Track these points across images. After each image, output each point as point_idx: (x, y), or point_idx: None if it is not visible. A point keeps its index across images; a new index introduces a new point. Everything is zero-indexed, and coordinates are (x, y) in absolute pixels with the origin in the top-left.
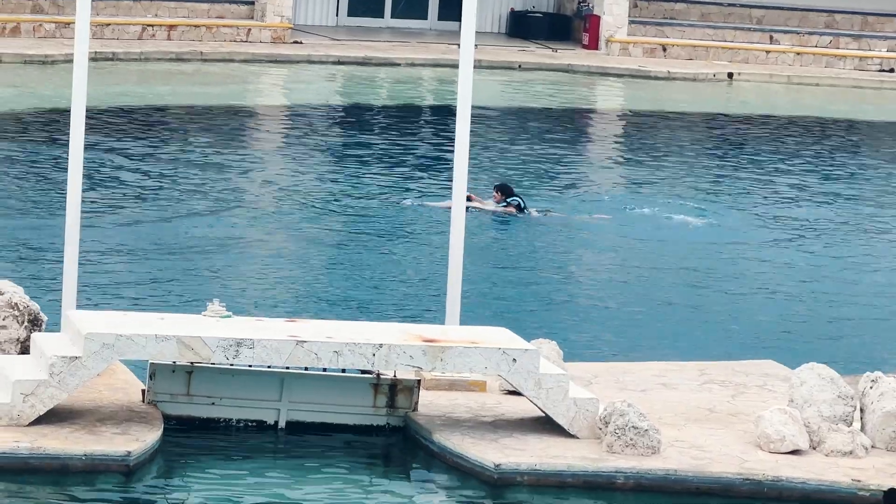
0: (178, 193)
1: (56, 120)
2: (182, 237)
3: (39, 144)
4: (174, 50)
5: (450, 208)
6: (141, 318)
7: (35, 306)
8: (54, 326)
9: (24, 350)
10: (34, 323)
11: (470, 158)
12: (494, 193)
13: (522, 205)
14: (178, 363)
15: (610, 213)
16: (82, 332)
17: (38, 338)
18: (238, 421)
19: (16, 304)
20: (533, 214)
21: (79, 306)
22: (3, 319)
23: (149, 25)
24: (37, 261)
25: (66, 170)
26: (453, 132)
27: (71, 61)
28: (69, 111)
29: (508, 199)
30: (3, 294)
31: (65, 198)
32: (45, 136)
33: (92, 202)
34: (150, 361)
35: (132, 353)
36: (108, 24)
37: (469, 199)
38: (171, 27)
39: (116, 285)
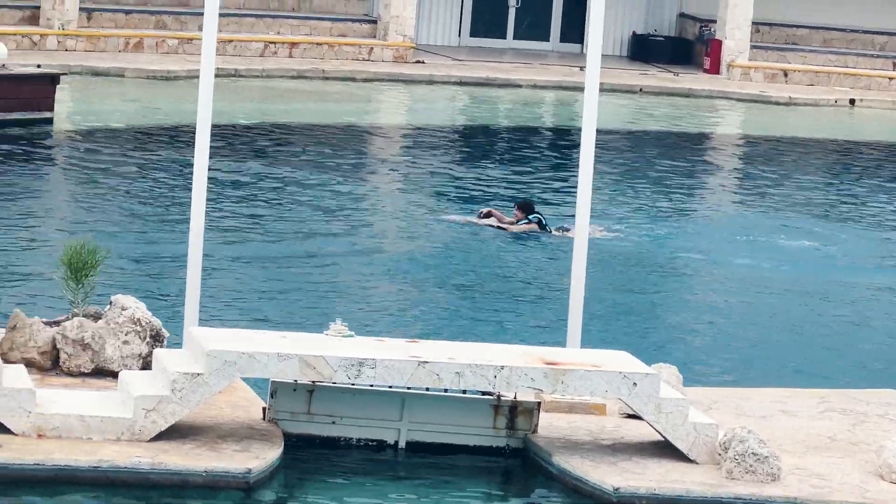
0: (300, 211)
1: (178, 136)
2: (304, 255)
3: (161, 160)
4: (296, 68)
5: (469, 223)
6: (263, 336)
7: (157, 322)
8: (176, 343)
9: (146, 366)
10: (156, 339)
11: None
12: (515, 211)
13: (544, 222)
14: (299, 382)
15: (727, 236)
16: (205, 349)
17: (160, 354)
18: (358, 440)
19: (138, 319)
20: (554, 233)
21: (201, 323)
22: (126, 335)
23: (271, 43)
24: (159, 277)
25: (187, 186)
26: (573, 154)
27: (193, 77)
28: (190, 127)
29: (529, 217)
30: (126, 310)
31: (187, 214)
32: (167, 151)
33: (214, 219)
34: (272, 379)
35: (254, 370)
36: (231, 41)
37: (489, 214)
38: (293, 45)
39: (238, 303)
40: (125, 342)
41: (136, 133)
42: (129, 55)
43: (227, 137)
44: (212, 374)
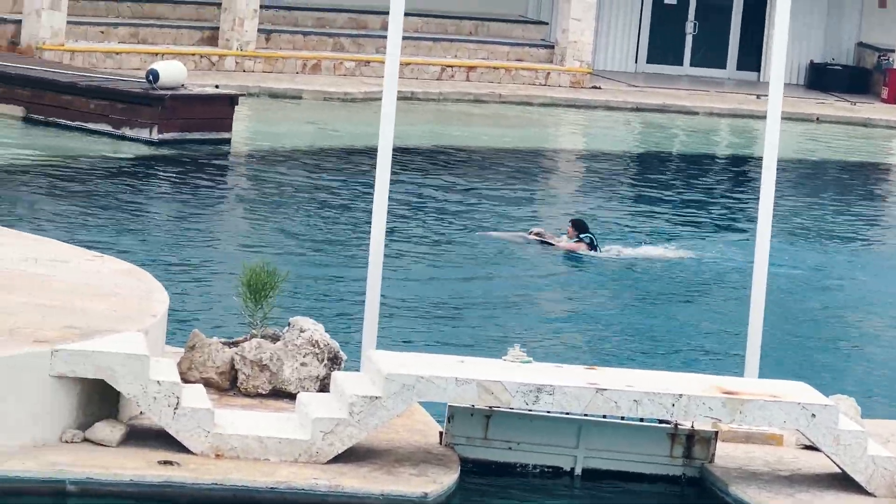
0: (475, 235)
1: (354, 158)
2: (481, 279)
3: (339, 182)
4: (472, 91)
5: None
6: (441, 360)
7: (335, 345)
8: (353, 365)
9: (324, 388)
10: (334, 361)
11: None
12: (568, 228)
13: (595, 243)
14: (476, 407)
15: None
16: (383, 372)
17: (338, 376)
18: (534, 466)
19: (316, 341)
20: (604, 254)
21: (378, 346)
22: (304, 357)
23: (448, 66)
24: (337, 299)
25: (364, 208)
26: (749, 183)
27: (370, 100)
28: (367, 149)
29: (581, 236)
30: (304, 332)
31: (364, 236)
32: (344, 173)
33: (389, 240)
34: (450, 404)
35: (432, 395)
36: (408, 64)
37: (539, 234)
38: (471, 69)
39: (416, 326)
40: (303, 364)
41: (313, 154)
42: (306, 77)
43: (403, 160)
44: (390, 397)
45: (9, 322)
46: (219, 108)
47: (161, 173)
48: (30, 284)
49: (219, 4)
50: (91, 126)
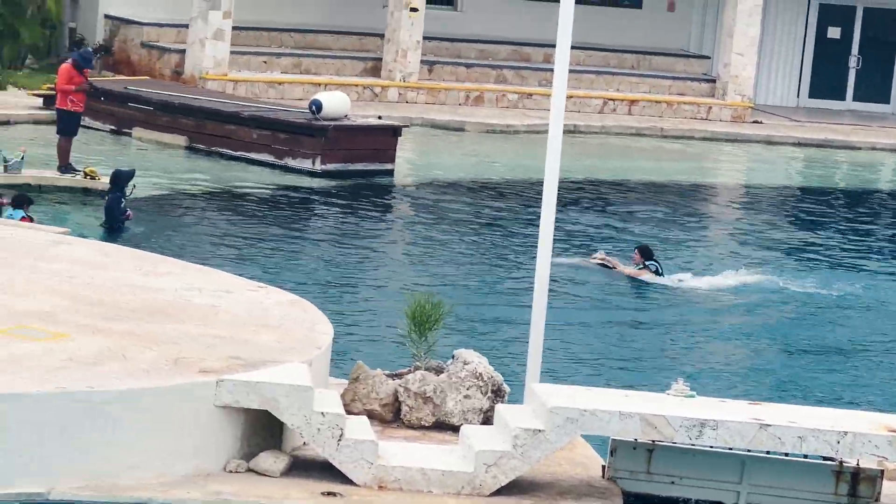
0: (639, 269)
1: (516, 190)
2: (641, 313)
3: (502, 214)
4: (634, 125)
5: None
6: (604, 393)
7: (499, 377)
8: (516, 398)
9: (487, 420)
10: (497, 394)
11: None
12: (635, 254)
13: (659, 270)
14: (639, 440)
15: None
16: (547, 405)
17: (501, 409)
18: (697, 501)
19: (480, 374)
20: (669, 282)
21: (541, 379)
22: (468, 389)
23: (610, 100)
24: (501, 331)
25: (526, 241)
26: None
27: (532, 132)
28: (528, 181)
29: (647, 263)
30: (468, 364)
31: (527, 268)
32: (507, 205)
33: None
34: (612, 437)
35: (595, 428)
36: (571, 97)
37: (602, 259)
38: (633, 102)
39: (578, 359)
40: (466, 396)
41: (476, 186)
42: (469, 108)
43: (565, 193)
44: (553, 430)
45: (174, 352)
46: (382, 139)
47: (324, 204)
48: (195, 315)
49: (382, 35)
50: (253, 156)
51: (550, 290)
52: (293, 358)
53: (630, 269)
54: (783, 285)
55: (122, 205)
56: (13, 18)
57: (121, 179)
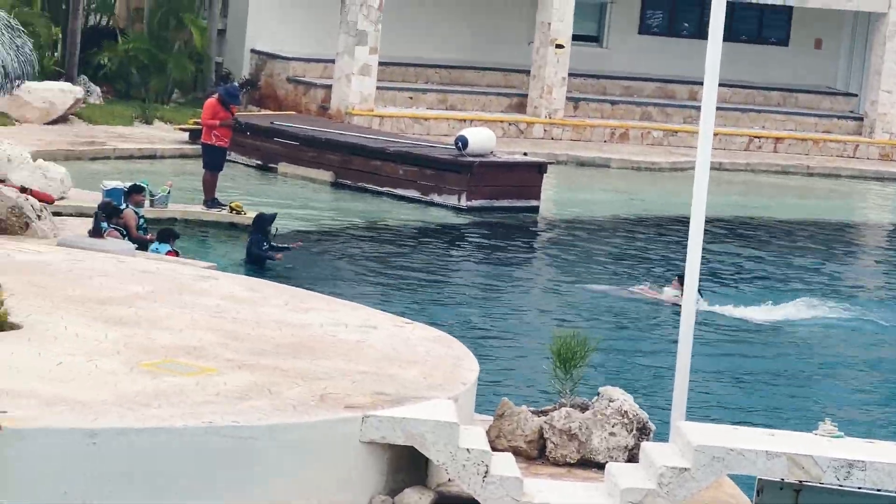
0: (786, 304)
1: (661, 227)
2: (788, 351)
3: (647, 251)
4: (780, 163)
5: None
6: (750, 433)
7: (644, 415)
8: (661, 436)
9: (632, 458)
10: (642, 431)
11: None
12: (674, 281)
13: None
14: (786, 480)
15: None
16: (693, 444)
17: (647, 447)
18: None
19: (626, 411)
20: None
21: (686, 417)
22: (613, 427)
23: (756, 137)
24: (645, 369)
25: (662, 277)
26: None
27: (677, 170)
28: (673, 219)
29: None
30: (613, 401)
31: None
32: (652, 242)
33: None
34: (759, 477)
35: (741, 467)
36: (716, 134)
37: (641, 290)
38: (778, 140)
39: (724, 398)
40: (612, 434)
41: (620, 223)
42: (613, 145)
43: (710, 230)
44: (699, 469)
45: (320, 387)
46: (527, 176)
47: (469, 241)
48: (341, 350)
49: (528, 72)
50: (399, 192)
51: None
52: (439, 394)
53: (669, 298)
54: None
55: (265, 247)
56: (160, 53)
57: (263, 223)
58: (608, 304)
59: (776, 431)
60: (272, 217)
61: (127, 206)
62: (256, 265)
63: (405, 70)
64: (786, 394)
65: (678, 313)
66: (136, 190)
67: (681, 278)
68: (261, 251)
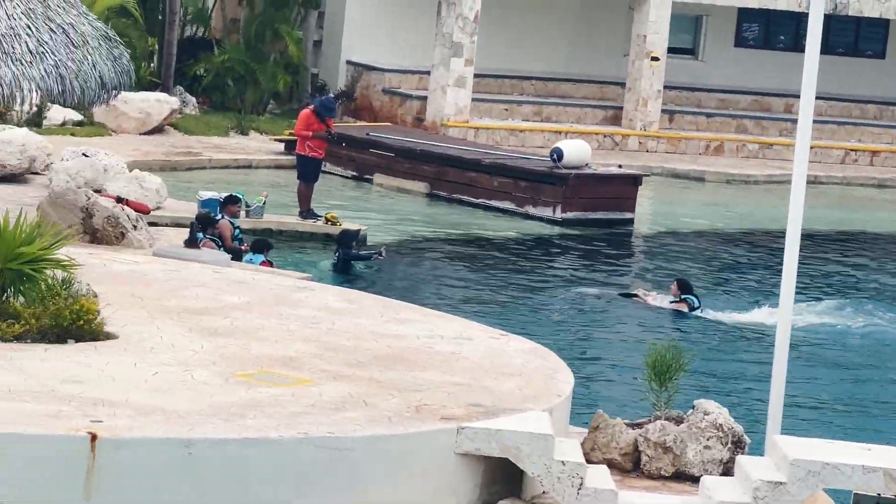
0: (880, 323)
1: (756, 240)
2: (885, 366)
3: (741, 264)
4: (876, 176)
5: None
6: (846, 447)
7: (739, 428)
8: (756, 450)
9: (727, 472)
10: (737, 445)
11: None
12: (673, 287)
13: (696, 304)
14: (883, 496)
15: None
16: (788, 457)
17: (742, 460)
18: None
19: (720, 425)
20: (707, 315)
21: (782, 431)
22: (708, 440)
23: (852, 150)
24: (741, 381)
25: (767, 290)
26: None
27: (773, 182)
28: (768, 232)
29: (684, 296)
30: (708, 414)
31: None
32: (747, 255)
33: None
34: (855, 492)
35: (837, 482)
36: (812, 147)
37: (636, 295)
38: (875, 153)
39: (819, 411)
40: (706, 447)
41: (715, 236)
42: (709, 158)
43: (806, 244)
44: (795, 483)
45: (416, 399)
46: (622, 188)
47: (564, 252)
48: (436, 361)
49: (623, 84)
50: (494, 204)
51: (846, 348)
52: (534, 406)
53: (665, 302)
54: None
55: (340, 259)
56: (256, 64)
57: (347, 238)
58: (707, 318)
59: (873, 446)
60: (356, 234)
61: (222, 216)
62: (344, 274)
63: (501, 82)
64: (880, 408)
65: (764, 330)
66: (232, 201)
67: (679, 283)
68: (345, 267)
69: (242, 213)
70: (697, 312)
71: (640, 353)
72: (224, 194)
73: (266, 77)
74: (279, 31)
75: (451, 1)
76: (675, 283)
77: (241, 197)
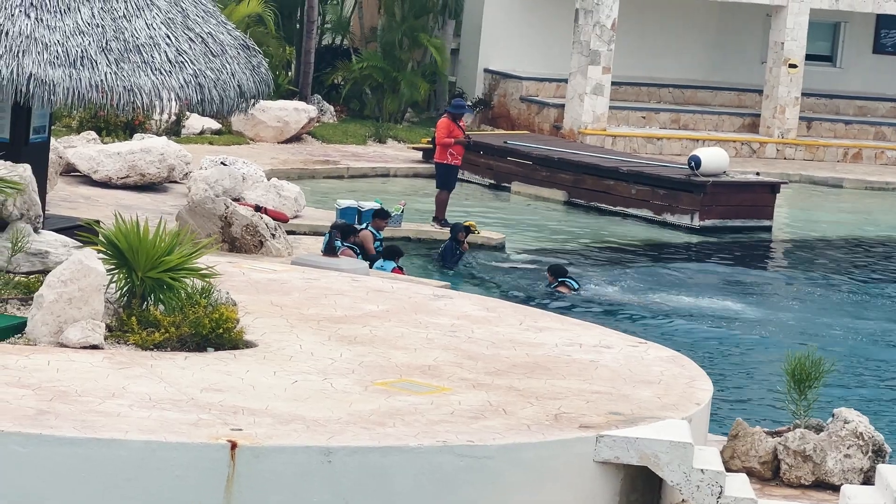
0: None
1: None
2: None
3: (879, 272)
4: None
5: None
6: None
7: (880, 437)
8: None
9: (867, 480)
10: (878, 454)
11: None
12: (548, 276)
13: (576, 286)
14: None
15: None
16: None
17: (883, 469)
18: None
19: (861, 433)
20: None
21: None
22: (848, 448)
23: None
24: (882, 390)
25: None
26: None
27: None
28: None
29: (560, 279)
30: (848, 423)
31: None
32: (884, 263)
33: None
34: None
35: None
36: None
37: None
38: None
39: None
40: (847, 456)
41: (854, 243)
42: (847, 165)
43: None
44: None
45: (554, 407)
46: (760, 196)
47: (702, 260)
48: (575, 370)
49: (760, 91)
50: (631, 212)
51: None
52: (673, 414)
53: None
54: None
55: (457, 253)
56: (394, 72)
57: (457, 230)
58: (847, 326)
59: None
60: (465, 228)
61: (366, 226)
62: (446, 267)
63: (638, 90)
64: None
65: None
66: (382, 215)
67: (550, 269)
68: (453, 257)
69: None
70: (580, 293)
71: (781, 361)
72: (362, 202)
73: (408, 85)
74: (418, 39)
75: (589, 9)
76: (547, 270)
77: (391, 214)
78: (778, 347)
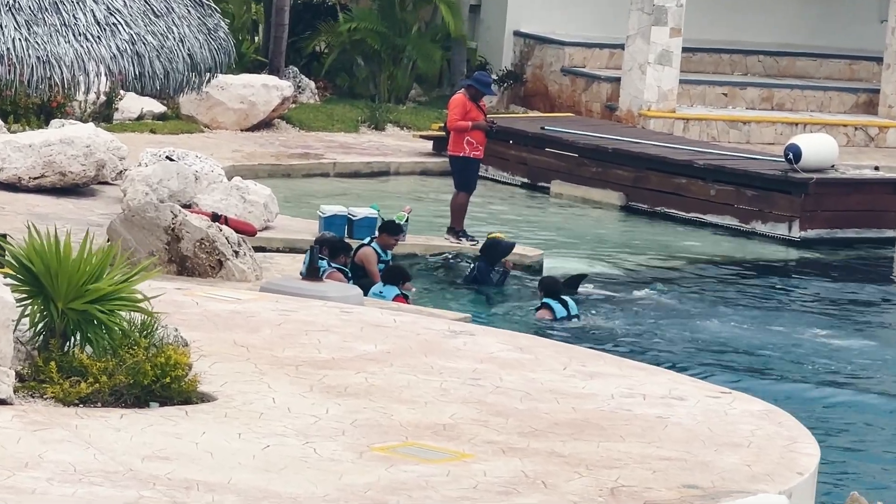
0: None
1: None
2: None
3: None
4: None
5: None
6: None
7: None
8: None
9: None
10: None
11: None
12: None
13: (564, 312)
14: None
15: None
16: None
17: None
18: None
19: None
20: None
21: None
22: None
23: None
24: None
25: None
26: None
27: None
28: None
29: (545, 300)
30: None
31: None
32: None
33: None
34: None
35: None
36: None
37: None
38: None
39: None
40: None
41: None
42: None
43: None
44: None
45: (610, 477)
46: (880, 198)
47: (804, 283)
48: (636, 429)
49: (879, 59)
50: (710, 218)
51: None
52: (768, 487)
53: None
54: None
55: (498, 271)
56: (395, 37)
57: (495, 252)
58: None
59: None
60: (508, 248)
61: (370, 242)
62: (481, 292)
63: (717, 58)
64: None
65: None
66: (391, 230)
67: (542, 284)
68: (488, 282)
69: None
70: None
71: None
72: (356, 210)
73: (420, 54)
74: None
75: None
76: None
77: (404, 228)
78: None
